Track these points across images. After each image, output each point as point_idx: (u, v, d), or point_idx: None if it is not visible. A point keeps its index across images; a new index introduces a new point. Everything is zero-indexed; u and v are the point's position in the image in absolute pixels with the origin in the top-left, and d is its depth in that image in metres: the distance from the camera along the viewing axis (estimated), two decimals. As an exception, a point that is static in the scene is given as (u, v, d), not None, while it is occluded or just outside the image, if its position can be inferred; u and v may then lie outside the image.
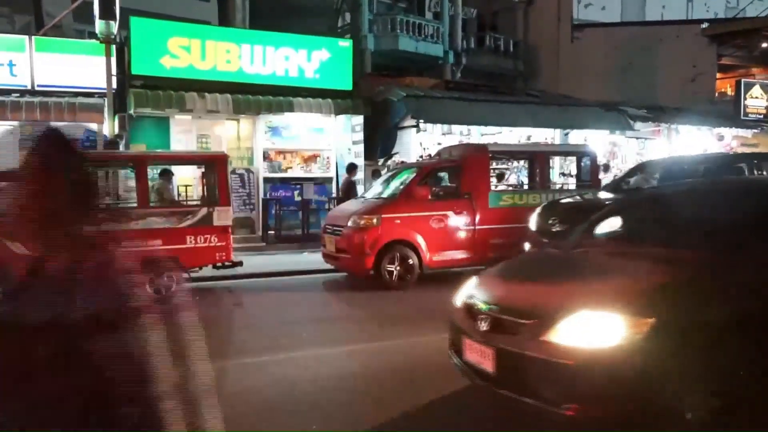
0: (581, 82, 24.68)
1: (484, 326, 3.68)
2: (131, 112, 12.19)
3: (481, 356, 3.63)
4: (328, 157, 14.91)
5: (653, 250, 3.79)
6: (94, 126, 12.73)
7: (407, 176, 9.73)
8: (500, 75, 26.94)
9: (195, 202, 10.17)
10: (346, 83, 14.14)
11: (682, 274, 3.38)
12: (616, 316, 3.13)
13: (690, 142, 17.44)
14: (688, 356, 3.01)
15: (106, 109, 11.95)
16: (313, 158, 14.97)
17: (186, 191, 12.99)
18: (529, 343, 3.32)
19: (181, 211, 8.85)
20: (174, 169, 11.11)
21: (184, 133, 13.78)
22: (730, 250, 3.53)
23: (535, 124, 15.20)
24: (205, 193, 9.43)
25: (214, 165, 9.02)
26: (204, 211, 8.76)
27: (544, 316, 3.34)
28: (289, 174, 14.63)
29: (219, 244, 8.73)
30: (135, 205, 8.59)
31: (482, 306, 3.81)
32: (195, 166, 12.18)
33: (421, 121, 13.39)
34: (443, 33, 25.56)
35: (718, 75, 24.15)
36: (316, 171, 14.89)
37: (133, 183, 11.19)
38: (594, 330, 3.16)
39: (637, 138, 17.49)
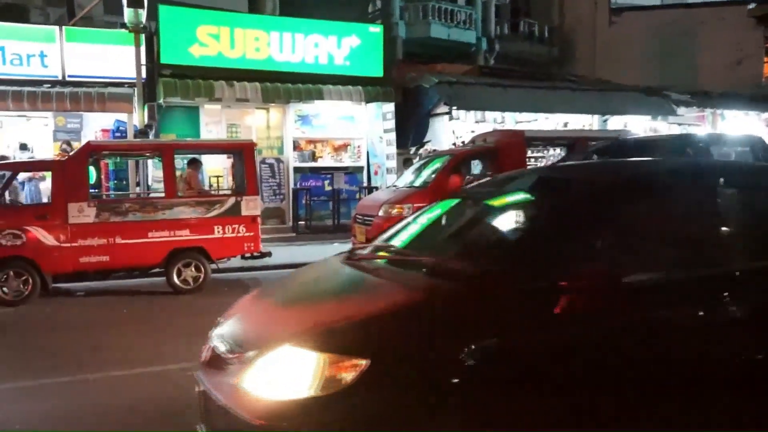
0: (618, 68, 23.87)
1: (205, 356, 2.89)
2: (161, 101, 12.09)
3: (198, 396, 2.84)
4: (358, 146, 14.65)
5: (427, 261, 2.85)
6: (124, 116, 12.70)
7: (439, 164, 9.40)
8: (534, 62, 26.25)
9: (223, 192, 10.00)
10: (376, 70, 13.83)
11: (422, 298, 2.49)
12: (313, 355, 2.29)
13: (736, 127, 16.68)
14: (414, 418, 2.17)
15: (135, 98, 11.87)
16: (343, 147, 14.72)
17: (217, 182, 12.89)
18: (222, 386, 2.54)
19: (209, 200, 8.67)
20: (205, 159, 11.01)
21: (213, 123, 13.66)
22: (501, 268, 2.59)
23: (573, 110, 14.68)
24: (233, 182, 9.25)
25: (241, 153, 8.82)
26: (232, 200, 8.58)
27: (249, 350, 2.53)
28: (320, 163, 14.42)
29: (247, 234, 8.55)
30: (162, 194, 8.46)
31: (213, 332, 2.94)
32: (225, 156, 12.10)
33: (454, 107, 13.01)
34: (476, 19, 25.01)
35: (766, 58, 23.10)
36: (346, 160, 14.64)
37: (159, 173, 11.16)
38: (289, 373, 2.32)
39: (680, 124, 16.81)
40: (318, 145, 14.51)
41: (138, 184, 12.11)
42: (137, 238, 8.12)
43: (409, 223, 3.63)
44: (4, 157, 12.28)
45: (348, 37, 13.58)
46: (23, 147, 15.57)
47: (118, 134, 12.71)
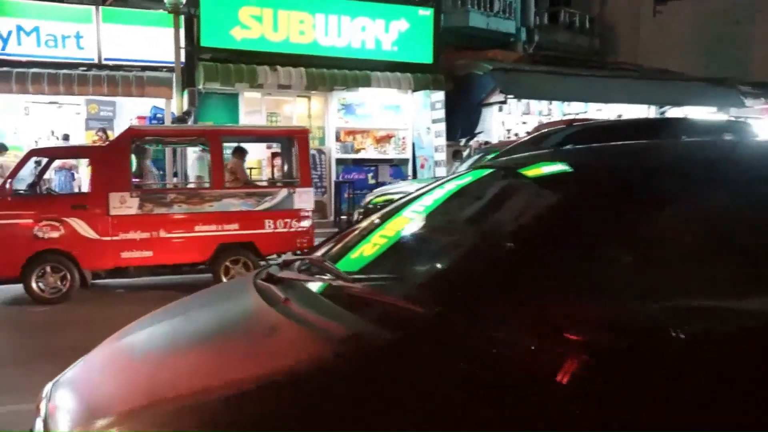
0: (663, 60, 22.79)
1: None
2: (200, 87, 11.42)
3: None
4: (403, 138, 13.88)
5: (368, 290, 1.82)
6: (161, 102, 12.06)
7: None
8: (574, 53, 25.29)
9: (274, 183, 9.30)
10: (426, 56, 13.05)
11: (318, 365, 1.52)
12: None
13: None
14: None
15: (174, 84, 11.21)
16: (385, 138, 13.96)
17: (250, 173, 12.21)
18: None
19: (260, 192, 7.97)
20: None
21: (253, 111, 12.98)
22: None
23: (632, 100, 13.76)
24: (285, 173, 8.55)
25: (294, 141, 8.10)
26: (284, 192, 7.88)
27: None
28: (363, 155, 13.67)
29: (300, 228, 7.85)
30: (208, 185, 7.78)
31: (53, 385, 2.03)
32: (264, 145, 11.41)
33: (510, 96, 12.18)
34: (515, 8, 24.08)
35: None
36: (390, 152, 13.88)
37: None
38: None
39: (743, 117, 15.77)
40: (358, 137, 13.77)
41: (176, 175, 11.48)
42: (183, 232, 7.46)
43: (384, 220, 2.42)
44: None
45: (396, 21, 12.80)
46: (66, 137, 15.08)
47: (155, 121, 12.07)
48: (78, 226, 7.17)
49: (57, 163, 12.16)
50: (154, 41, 11.64)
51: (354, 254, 2.27)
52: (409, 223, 2.40)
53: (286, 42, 12.04)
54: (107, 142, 7.99)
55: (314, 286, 1.96)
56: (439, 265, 2.00)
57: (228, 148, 8.95)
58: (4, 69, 10.50)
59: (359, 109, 13.47)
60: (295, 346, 1.63)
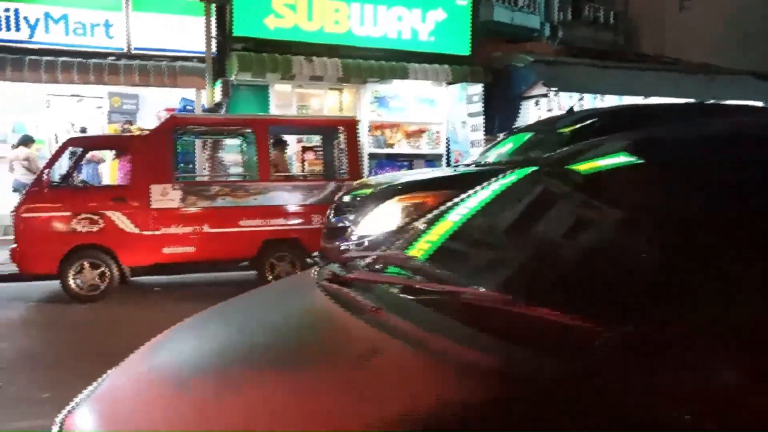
0: (691, 56, 22.26)
1: None
2: (231, 78, 10.98)
3: None
4: (437, 132, 13.40)
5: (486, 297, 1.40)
6: (190, 94, 11.65)
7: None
8: (598, 49, 24.82)
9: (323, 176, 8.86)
10: (463, 47, 12.58)
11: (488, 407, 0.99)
12: None
13: None
14: None
15: (207, 74, 10.78)
16: (417, 133, 13.48)
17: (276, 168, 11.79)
18: None
19: (307, 185, 7.54)
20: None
21: (283, 104, 12.53)
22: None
23: (675, 94, 13.20)
24: (329, 166, 8.12)
25: (343, 132, 7.67)
26: (332, 186, 7.44)
27: None
28: (396, 150, 13.20)
29: (349, 224, 7.40)
30: (255, 177, 7.34)
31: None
32: (294, 138, 10.98)
33: (553, 89, 11.70)
34: (539, 3, 23.60)
35: None
36: (424, 147, 13.41)
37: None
38: None
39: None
40: (387, 131, 13.29)
41: (192, 168, 11.07)
42: (227, 226, 7.04)
43: (445, 212, 2.10)
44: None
45: (433, 11, 12.33)
46: (83, 131, 14.71)
47: (184, 113, 11.63)
48: (118, 220, 6.77)
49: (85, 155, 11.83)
50: (184, 30, 11.24)
51: (439, 252, 1.78)
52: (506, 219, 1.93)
53: (320, 32, 11.59)
54: (147, 132, 7.55)
55: (408, 291, 1.46)
56: (603, 271, 1.39)
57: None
58: (33, 57, 10.10)
59: (393, 101, 13.01)
60: (420, 379, 1.12)
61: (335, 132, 7.93)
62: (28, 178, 10.41)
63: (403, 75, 11.93)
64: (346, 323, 1.38)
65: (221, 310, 1.86)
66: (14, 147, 10.90)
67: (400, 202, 4.70)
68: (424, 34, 12.32)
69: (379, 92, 12.86)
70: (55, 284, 6.96)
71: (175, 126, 7.24)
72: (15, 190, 10.43)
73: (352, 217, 5.07)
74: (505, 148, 5.82)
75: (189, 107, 11.62)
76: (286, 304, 1.80)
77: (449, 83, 12.76)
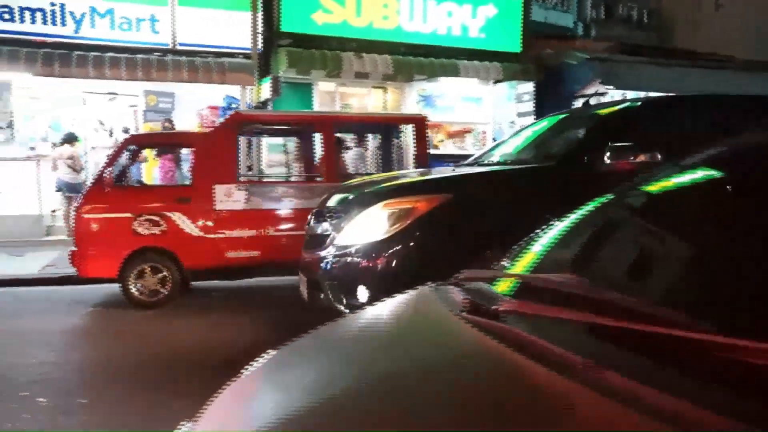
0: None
1: None
2: (279, 74, 10.63)
3: None
4: (483, 132, 13.00)
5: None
6: (233, 90, 11.32)
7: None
8: (649, 45, 24.32)
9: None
10: (514, 44, 12.16)
11: None
12: None
13: None
14: None
15: (254, 71, 10.45)
16: (460, 134, 13.08)
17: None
18: None
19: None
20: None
21: (326, 102, 12.19)
22: None
23: (731, 92, 12.73)
24: (398, 164, 7.74)
25: (412, 130, 7.29)
26: (399, 186, 7.04)
27: None
28: (441, 150, 12.81)
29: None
30: (321, 178, 6.98)
31: None
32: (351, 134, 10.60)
33: (610, 87, 11.24)
34: (573, 2, 23.16)
35: None
36: (469, 147, 13.01)
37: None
38: None
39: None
40: (433, 129, 12.90)
41: (250, 168, 10.74)
42: (293, 229, 6.66)
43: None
44: None
45: (484, 6, 11.93)
46: (126, 131, 14.45)
47: (229, 111, 11.31)
48: (181, 222, 6.42)
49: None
50: (229, 25, 10.92)
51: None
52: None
53: (369, 28, 11.23)
54: (212, 128, 7.20)
55: (609, 334, 0.99)
56: None
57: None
58: (79, 53, 9.80)
59: (439, 100, 12.63)
60: None
61: (399, 130, 7.54)
62: (71, 177, 10.16)
63: (454, 72, 11.54)
64: (557, 391, 0.92)
65: (328, 342, 1.43)
66: (58, 145, 10.61)
67: (386, 208, 3.92)
68: (474, 31, 11.92)
69: (426, 90, 12.49)
70: (111, 288, 6.66)
71: (240, 123, 6.88)
72: (58, 189, 10.17)
73: (333, 224, 4.32)
74: (513, 144, 5.11)
75: (234, 105, 11.28)
76: (425, 345, 1.31)
77: (497, 81, 12.36)
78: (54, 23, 9.85)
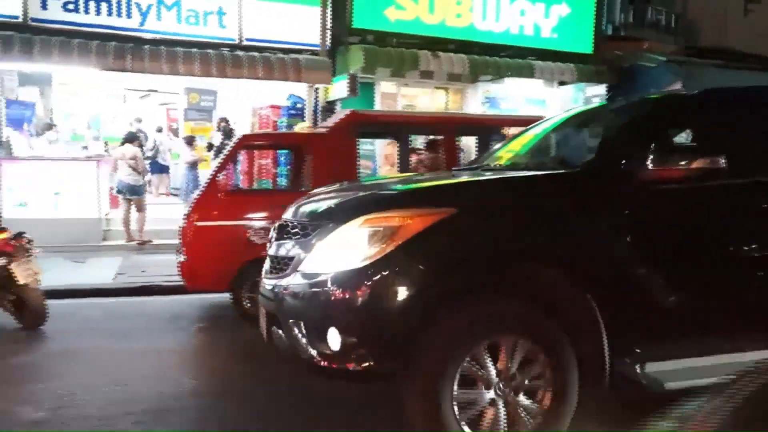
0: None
1: None
2: (352, 72, 10.11)
3: None
4: (547, 135, 12.52)
5: None
6: (299, 89, 10.76)
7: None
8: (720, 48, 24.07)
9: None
10: (586, 45, 11.73)
11: None
12: None
13: None
14: None
15: (328, 69, 9.93)
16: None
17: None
18: None
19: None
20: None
21: (388, 103, 11.69)
22: None
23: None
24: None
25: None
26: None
27: None
28: (504, 154, 12.34)
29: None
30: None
31: None
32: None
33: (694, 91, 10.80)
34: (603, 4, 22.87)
35: None
36: (532, 151, 12.56)
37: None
38: None
39: None
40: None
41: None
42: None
43: None
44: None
45: (557, 5, 11.48)
46: (159, 130, 13.89)
47: (293, 111, 10.78)
48: (297, 231, 5.86)
49: (188, 155, 10.98)
50: (295, 21, 10.39)
51: None
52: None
53: (441, 25, 10.74)
54: (326, 129, 6.64)
55: None
56: None
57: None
58: (148, 47, 9.23)
59: (504, 103, 12.15)
60: None
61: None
62: (134, 179, 9.58)
63: (529, 73, 11.08)
64: None
65: None
66: (119, 144, 10.04)
67: (366, 226, 2.82)
68: (547, 30, 11.47)
69: (491, 92, 12.01)
70: (200, 300, 6.14)
71: (357, 123, 6.35)
72: (119, 191, 9.59)
73: (299, 242, 3.19)
74: (522, 144, 4.17)
75: (299, 104, 10.74)
76: None
77: (562, 83, 11.92)
78: (119, 15, 9.28)
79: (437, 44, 10.62)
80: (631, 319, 2.85)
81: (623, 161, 2.96)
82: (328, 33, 10.26)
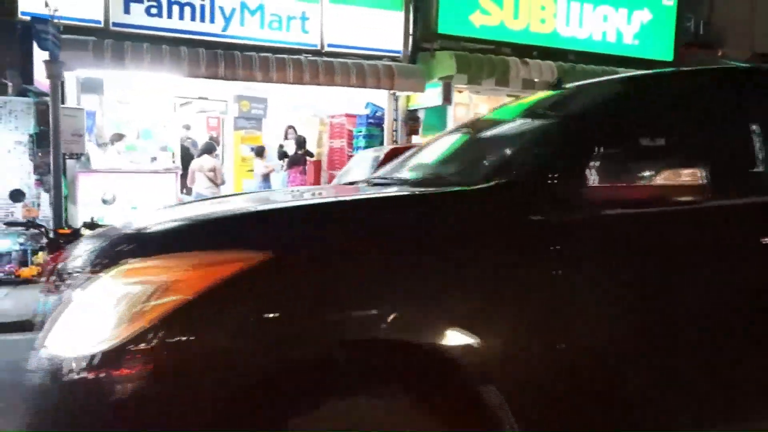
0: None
1: None
2: (445, 79, 9.69)
3: None
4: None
5: None
6: (376, 97, 10.32)
7: None
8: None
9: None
10: (666, 52, 11.38)
11: None
12: None
13: None
14: None
15: (418, 76, 9.49)
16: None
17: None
18: None
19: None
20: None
21: (462, 113, 11.25)
22: None
23: None
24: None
25: None
26: None
27: None
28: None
29: None
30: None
31: None
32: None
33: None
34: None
35: None
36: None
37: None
38: None
39: None
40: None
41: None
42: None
43: None
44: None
45: (640, 11, 11.11)
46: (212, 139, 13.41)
47: (372, 120, 10.33)
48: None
49: (261, 168, 10.50)
50: (375, 26, 9.95)
51: None
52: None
53: (526, 31, 10.33)
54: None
55: None
56: None
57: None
58: (233, 52, 8.75)
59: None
60: None
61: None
62: (212, 191, 9.10)
63: (613, 81, 10.68)
64: None
65: None
66: (197, 156, 9.58)
67: (125, 279, 1.67)
68: (629, 37, 11.10)
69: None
70: None
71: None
72: (197, 205, 9.09)
73: (55, 304, 1.98)
74: (435, 152, 2.86)
75: (378, 113, 10.29)
76: None
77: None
78: (203, 20, 8.80)
79: (522, 50, 10.23)
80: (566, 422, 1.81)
81: (553, 172, 1.89)
82: (410, 39, 9.86)
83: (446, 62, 9.57)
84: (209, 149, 9.32)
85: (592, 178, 1.85)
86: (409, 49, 9.86)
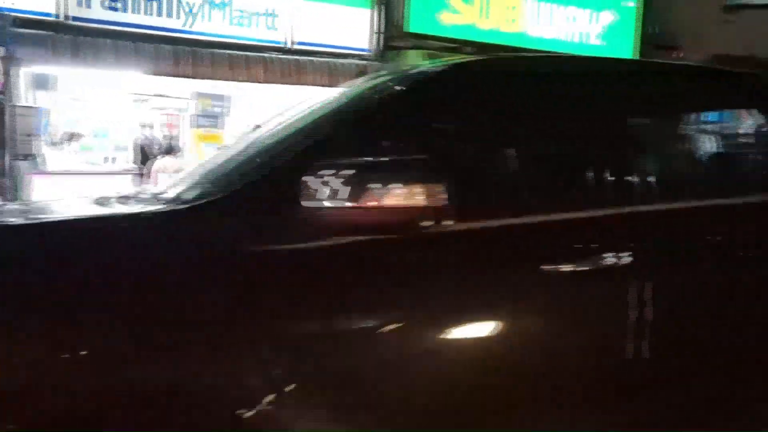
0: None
1: None
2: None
3: None
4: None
5: None
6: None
7: None
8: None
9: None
10: (626, 53, 11.60)
11: None
12: None
13: None
14: None
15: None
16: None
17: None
18: None
19: None
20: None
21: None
22: None
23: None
24: None
25: None
26: None
27: None
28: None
29: None
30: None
31: None
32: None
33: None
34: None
35: None
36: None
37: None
38: None
39: None
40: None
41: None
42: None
43: None
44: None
45: (602, 12, 11.28)
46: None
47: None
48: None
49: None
50: (344, 24, 9.79)
51: None
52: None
53: (495, 31, 10.33)
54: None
55: None
56: None
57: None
58: (197, 48, 8.44)
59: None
60: None
61: None
62: (177, 194, 8.76)
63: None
64: None
65: None
66: (159, 157, 9.18)
67: None
68: (593, 38, 11.25)
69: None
70: None
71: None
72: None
73: None
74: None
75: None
76: None
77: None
78: (169, 15, 8.45)
79: (490, 50, 10.22)
80: None
81: (267, 190, 1.59)
82: (380, 37, 9.73)
83: (415, 61, 9.47)
84: (170, 150, 8.97)
85: (313, 197, 1.53)
86: (380, 47, 9.74)
